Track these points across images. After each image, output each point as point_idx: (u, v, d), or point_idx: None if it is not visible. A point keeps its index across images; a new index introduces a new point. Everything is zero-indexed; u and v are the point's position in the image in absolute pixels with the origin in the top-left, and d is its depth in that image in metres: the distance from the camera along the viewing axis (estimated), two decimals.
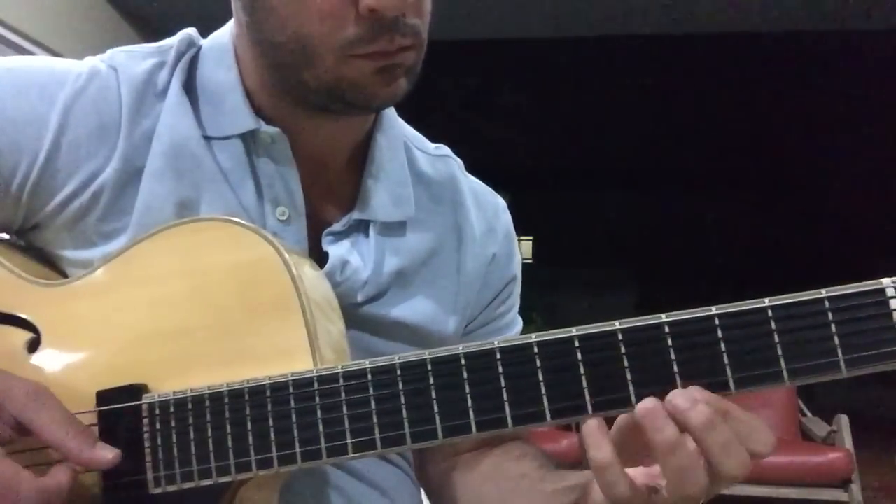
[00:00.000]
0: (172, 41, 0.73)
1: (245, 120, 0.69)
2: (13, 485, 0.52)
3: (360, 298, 0.71)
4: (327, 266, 0.68)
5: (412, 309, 0.74)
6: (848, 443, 3.56)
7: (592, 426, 0.51)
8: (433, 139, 0.85)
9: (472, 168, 0.85)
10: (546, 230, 9.32)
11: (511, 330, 0.85)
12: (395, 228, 0.75)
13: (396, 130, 0.79)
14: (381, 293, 0.72)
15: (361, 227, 0.73)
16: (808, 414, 4.11)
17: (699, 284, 8.20)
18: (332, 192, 0.74)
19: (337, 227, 0.72)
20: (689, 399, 0.49)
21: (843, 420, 3.65)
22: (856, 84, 6.05)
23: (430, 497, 0.82)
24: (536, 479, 0.71)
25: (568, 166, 9.01)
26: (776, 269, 8.08)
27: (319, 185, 0.72)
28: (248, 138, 0.69)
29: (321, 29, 0.60)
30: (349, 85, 0.63)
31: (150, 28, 4.21)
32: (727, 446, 0.49)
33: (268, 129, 0.68)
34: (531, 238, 9.91)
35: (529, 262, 9.51)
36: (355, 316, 0.70)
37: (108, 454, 0.55)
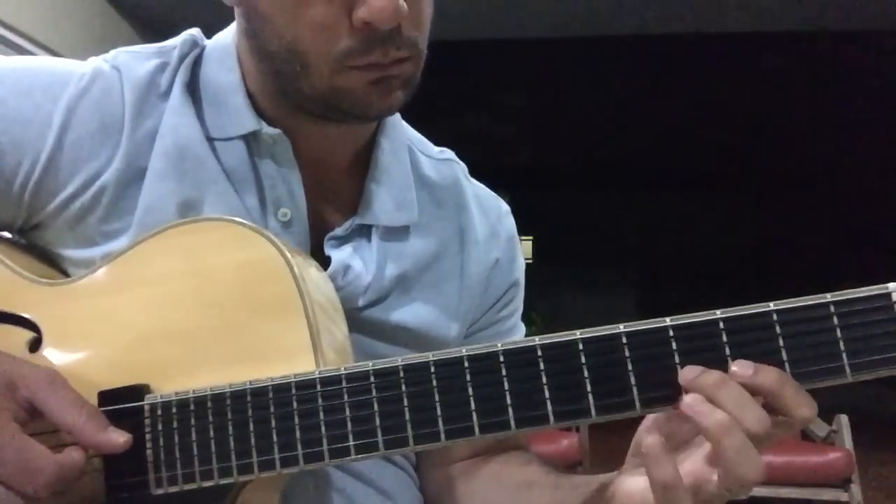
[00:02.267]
0: (175, 42, 0.73)
1: (247, 121, 0.69)
2: (31, 458, 0.52)
3: (361, 303, 0.71)
4: (329, 271, 0.68)
5: (414, 313, 0.74)
6: (848, 443, 3.56)
7: (656, 445, 0.51)
8: (433, 139, 0.85)
9: (472, 168, 0.85)
10: (546, 230, 9.32)
11: (512, 336, 0.84)
12: (397, 233, 0.74)
13: (400, 134, 0.78)
14: (382, 297, 0.72)
15: (364, 231, 0.73)
16: None
17: (700, 285, 8.20)
18: (334, 196, 0.73)
19: (339, 231, 0.71)
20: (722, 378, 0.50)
21: (843, 420, 3.64)
22: (856, 84, 6.05)
23: (427, 502, 0.82)
24: (547, 484, 0.71)
25: (568, 166, 9.01)
26: (777, 269, 8.08)
27: (322, 188, 0.72)
28: (251, 139, 0.69)
29: (315, 40, 0.60)
30: (344, 95, 0.63)
31: (151, 28, 4.21)
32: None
33: (269, 131, 0.68)
34: (531, 238, 9.91)
35: (529, 261, 9.49)
36: (357, 320, 0.69)
37: (119, 438, 0.55)
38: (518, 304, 0.85)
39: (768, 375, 0.49)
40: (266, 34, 0.63)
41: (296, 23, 0.60)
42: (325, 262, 0.69)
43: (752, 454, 0.49)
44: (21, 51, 3.23)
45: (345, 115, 0.65)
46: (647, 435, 0.53)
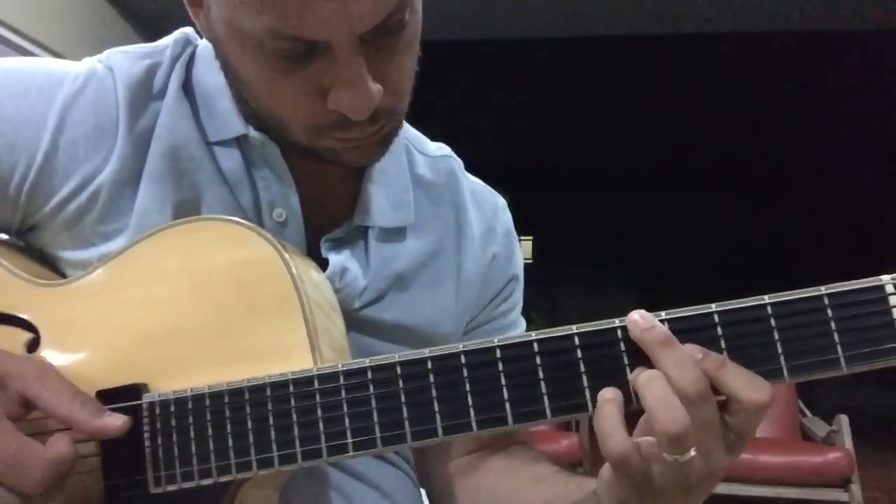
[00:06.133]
0: (167, 41, 0.72)
1: (235, 125, 0.68)
2: (25, 455, 0.52)
3: (357, 304, 0.71)
4: (327, 273, 0.68)
5: (411, 312, 0.74)
6: (848, 443, 3.56)
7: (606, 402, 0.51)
8: (433, 139, 0.85)
9: (471, 167, 0.85)
10: (546, 230, 9.33)
11: (513, 330, 0.84)
12: (394, 233, 0.74)
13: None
14: (379, 298, 0.72)
15: (360, 232, 0.73)
16: (808, 414, 4.11)
17: (699, 284, 8.18)
18: (330, 197, 0.73)
19: (336, 233, 0.71)
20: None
21: (843, 420, 3.65)
22: (856, 84, 6.05)
23: (433, 500, 0.82)
24: (558, 480, 0.71)
25: (568, 166, 9.02)
26: (777, 268, 8.08)
27: (317, 189, 0.72)
28: (244, 142, 0.69)
29: (291, 116, 0.61)
30: (324, 151, 0.63)
31: (150, 28, 4.21)
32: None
33: (256, 135, 0.68)
34: (531, 238, 9.91)
35: (529, 261, 9.50)
36: (354, 319, 0.70)
37: (116, 422, 0.55)
38: (518, 298, 0.85)
39: (708, 360, 0.50)
40: (245, 94, 0.63)
41: (271, 96, 0.60)
42: (321, 263, 0.69)
43: (675, 404, 0.49)
44: (21, 51, 3.23)
45: (326, 163, 0.65)
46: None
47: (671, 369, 0.50)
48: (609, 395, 0.51)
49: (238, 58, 0.60)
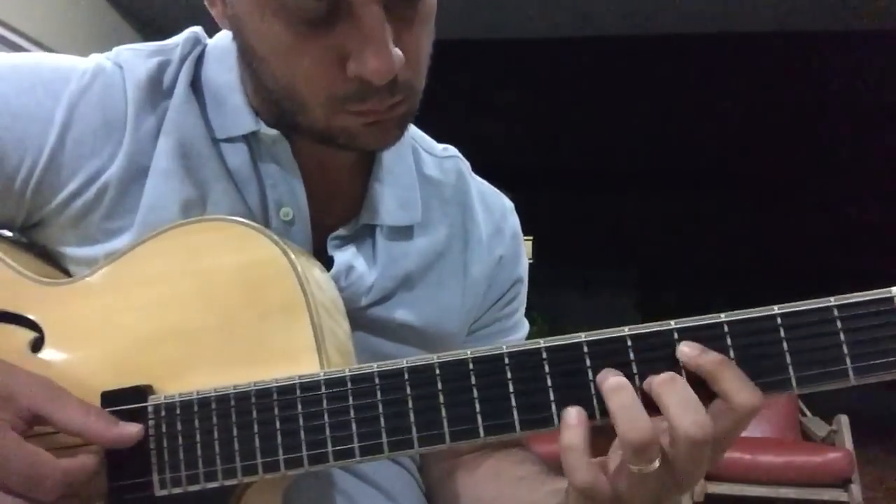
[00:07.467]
0: (177, 40, 0.72)
1: (245, 121, 0.68)
2: (38, 465, 0.52)
3: (364, 302, 0.71)
4: (332, 271, 0.68)
5: (417, 311, 0.74)
6: (848, 443, 3.56)
7: (572, 412, 0.51)
8: (434, 139, 0.85)
9: (472, 168, 0.85)
10: (546, 230, 9.31)
11: (517, 332, 0.85)
12: (401, 232, 0.74)
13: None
14: (386, 297, 0.72)
15: (367, 231, 0.73)
16: (808, 414, 4.12)
17: (699, 285, 8.20)
18: (337, 195, 0.73)
19: (342, 231, 0.71)
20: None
21: (843, 420, 3.65)
22: (856, 84, 6.05)
23: (428, 495, 0.82)
24: (535, 481, 0.71)
25: (568, 166, 9.01)
26: (777, 269, 8.09)
27: (324, 187, 0.72)
28: (251, 139, 0.69)
29: (310, 87, 0.60)
30: (339, 133, 0.63)
31: (151, 28, 4.21)
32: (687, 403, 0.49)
33: (267, 132, 0.68)
34: (531, 238, 9.90)
35: (530, 261, 9.46)
36: (360, 318, 0.70)
37: (132, 429, 0.55)
38: (521, 300, 0.85)
39: (710, 357, 0.50)
40: (262, 72, 0.62)
41: (290, 69, 0.60)
42: (328, 261, 0.69)
43: (640, 414, 0.49)
44: (21, 51, 3.23)
45: (341, 147, 0.65)
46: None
47: (675, 408, 0.49)
48: (573, 420, 0.51)
49: (257, 29, 0.59)
